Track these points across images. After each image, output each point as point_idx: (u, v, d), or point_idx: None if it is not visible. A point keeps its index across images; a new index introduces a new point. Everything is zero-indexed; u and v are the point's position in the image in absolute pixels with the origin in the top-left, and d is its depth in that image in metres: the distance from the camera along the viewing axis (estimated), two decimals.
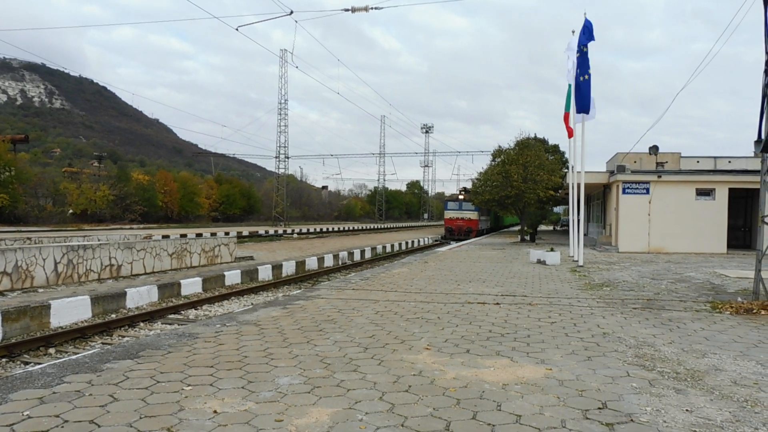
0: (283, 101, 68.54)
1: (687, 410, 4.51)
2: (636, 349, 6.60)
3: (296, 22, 21.46)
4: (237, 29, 18.42)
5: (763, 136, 9.93)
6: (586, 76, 16.81)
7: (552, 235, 47.74)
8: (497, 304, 9.97)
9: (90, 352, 6.70)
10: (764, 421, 4.29)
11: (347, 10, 16.10)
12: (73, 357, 6.33)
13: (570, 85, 18.57)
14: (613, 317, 8.75)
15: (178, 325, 10.45)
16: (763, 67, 9.92)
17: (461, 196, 47.44)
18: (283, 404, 4.64)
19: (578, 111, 17.33)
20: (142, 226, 56.80)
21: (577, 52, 17.43)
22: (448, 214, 49.07)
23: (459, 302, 10.12)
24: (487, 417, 4.34)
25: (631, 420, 4.29)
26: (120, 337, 9.75)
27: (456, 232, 46.43)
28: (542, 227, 74.22)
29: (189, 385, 5.13)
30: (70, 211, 59.92)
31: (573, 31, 19.17)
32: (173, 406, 4.58)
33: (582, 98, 16.79)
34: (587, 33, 16.93)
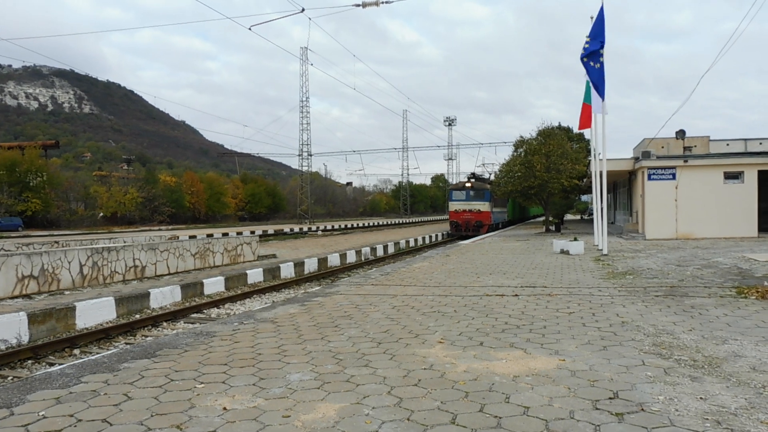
0: (304, 99, 68.84)
1: (701, 398, 4.42)
2: (654, 338, 6.48)
3: (310, 19, 21.49)
4: (250, 29, 18.56)
5: None
6: (598, 65, 16.65)
7: (578, 225, 47.17)
8: (516, 295, 9.89)
9: (109, 352, 6.83)
10: None
11: (358, 5, 16.07)
12: (93, 357, 6.46)
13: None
14: (634, 306, 8.61)
15: (200, 324, 10.58)
16: None
17: (468, 184, 40.39)
18: (292, 400, 4.66)
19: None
20: (170, 227, 57.70)
21: (599, 41, 17.14)
22: (453, 206, 40.36)
23: (477, 295, 10.07)
24: (494, 409, 4.31)
25: (642, 409, 4.21)
26: (143, 337, 9.92)
27: (463, 228, 39.00)
28: (570, 216, 73.43)
29: (202, 383, 5.20)
30: (101, 214, 61.17)
31: (592, 17, 18.87)
32: (184, 404, 4.64)
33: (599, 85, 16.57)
34: (600, 23, 16.76)
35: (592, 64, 17.11)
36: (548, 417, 4.12)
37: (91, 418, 4.37)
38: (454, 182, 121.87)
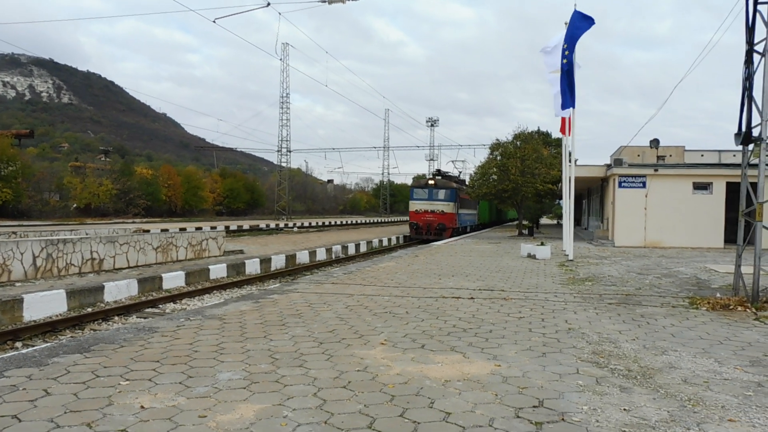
0: (284, 95, 68.47)
1: (624, 409, 4.39)
2: (596, 346, 6.46)
3: (280, 14, 21.31)
4: (214, 21, 18.32)
5: (743, 128, 9.74)
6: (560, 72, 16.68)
7: (554, 229, 47.43)
8: (471, 298, 9.85)
9: (43, 346, 6.66)
10: (700, 420, 4.16)
11: (324, 1, 15.90)
12: (23, 351, 6.28)
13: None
14: (585, 313, 8.61)
15: (152, 318, 10.39)
16: (743, 57, 9.72)
17: (431, 181, 36.49)
18: (214, 400, 4.55)
19: (564, 107, 17.13)
20: (145, 220, 56.98)
21: (565, 50, 17.13)
22: (413, 206, 36.01)
23: (433, 297, 10.01)
24: (415, 414, 4.24)
25: (563, 419, 4.17)
26: (92, 331, 9.71)
27: (423, 230, 34.97)
28: (547, 221, 73.96)
29: (127, 380, 5.06)
30: (74, 205, 60.18)
31: (566, 23, 18.91)
32: (103, 401, 4.51)
33: (563, 94, 16.64)
34: (573, 28, 16.72)
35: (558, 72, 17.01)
36: (467, 424, 4.06)
37: (0, 414, 4.22)
38: None
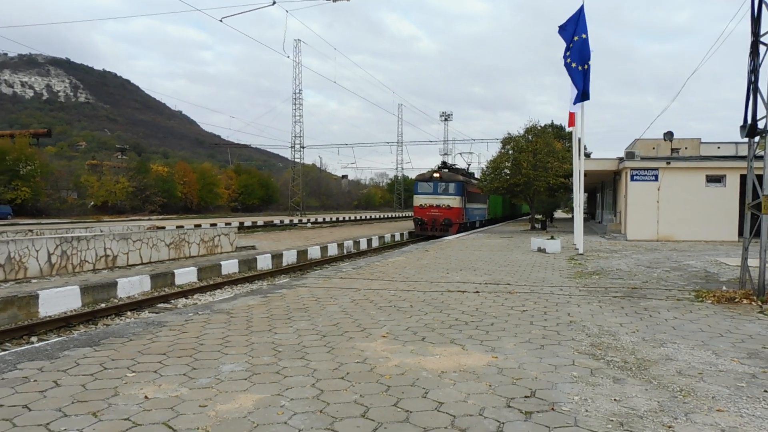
0: (297, 91, 68.73)
1: (615, 400, 4.47)
2: (595, 338, 6.53)
3: (287, 11, 21.46)
4: (221, 20, 18.51)
5: (749, 121, 9.70)
6: (586, 66, 16.51)
7: (568, 223, 47.15)
8: (477, 292, 9.94)
9: (55, 340, 6.87)
10: (688, 411, 4.24)
11: None
12: (36, 345, 6.49)
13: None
14: (589, 306, 8.66)
15: (163, 313, 10.60)
16: (749, 50, 9.68)
17: (437, 174, 34.22)
18: (216, 390, 4.70)
19: (578, 100, 17.04)
20: (160, 216, 57.61)
21: (571, 41, 16.99)
22: (418, 200, 34.07)
23: (439, 291, 10.11)
24: (408, 404, 4.36)
25: (552, 409, 4.26)
26: (105, 326, 9.93)
27: (429, 226, 33.03)
28: (562, 215, 73.54)
29: (133, 372, 5.23)
30: (92, 203, 60.99)
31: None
32: (109, 392, 4.68)
33: (581, 85, 16.54)
34: (579, 19, 16.63)
35: (580, 67, 16.85)
36: (458, 413, 4.17)
37: (12, 404, 4.41)
38: None
